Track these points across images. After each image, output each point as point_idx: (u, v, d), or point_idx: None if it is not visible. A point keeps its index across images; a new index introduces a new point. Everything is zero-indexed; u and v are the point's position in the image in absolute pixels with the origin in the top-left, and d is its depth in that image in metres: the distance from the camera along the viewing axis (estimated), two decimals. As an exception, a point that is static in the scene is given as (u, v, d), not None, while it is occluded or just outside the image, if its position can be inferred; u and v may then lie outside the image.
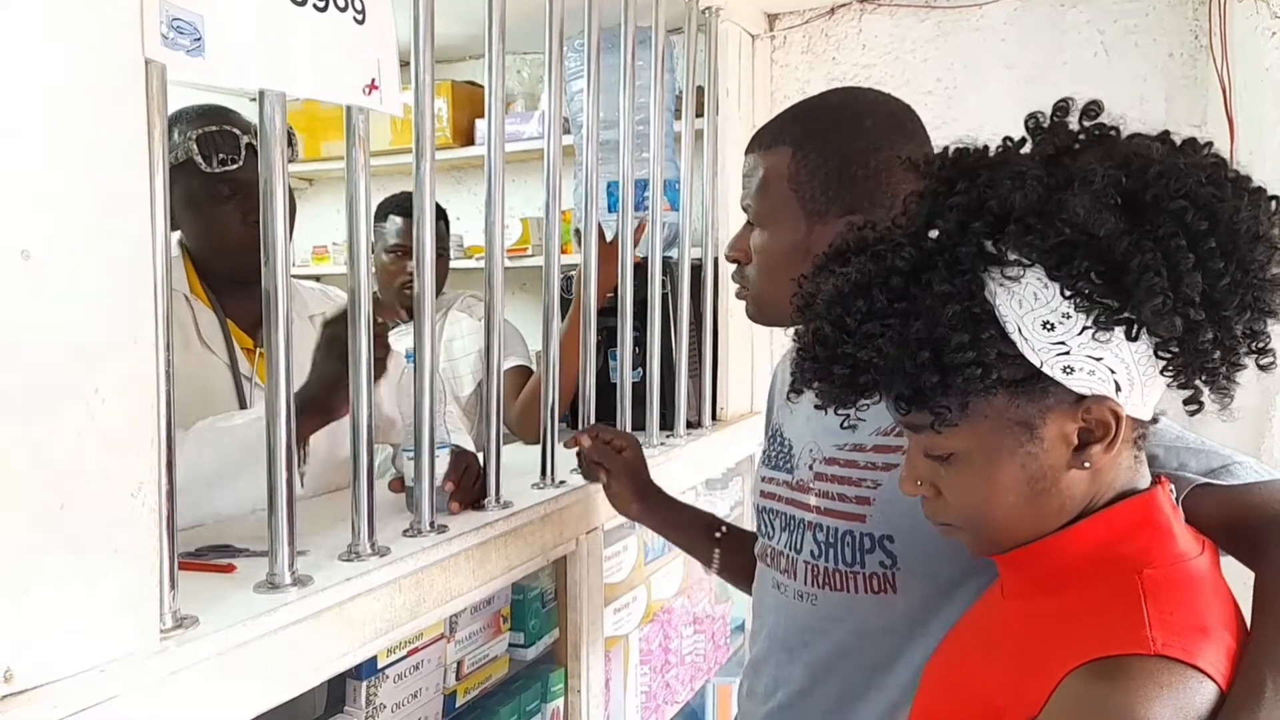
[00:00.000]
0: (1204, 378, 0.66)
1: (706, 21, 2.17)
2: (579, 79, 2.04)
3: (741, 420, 2.30)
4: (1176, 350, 0.65)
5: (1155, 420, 0.72)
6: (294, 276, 1.47)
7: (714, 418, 2.23)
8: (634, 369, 1.87)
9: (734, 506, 2.27)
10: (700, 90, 2.25)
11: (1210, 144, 0.67)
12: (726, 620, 2.25)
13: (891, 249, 0.68)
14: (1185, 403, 0.68)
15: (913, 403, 0.68)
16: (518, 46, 2.92)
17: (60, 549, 0.69)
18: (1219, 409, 0.68)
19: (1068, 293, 0.64)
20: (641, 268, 1.86)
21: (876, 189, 0.98)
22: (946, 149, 0.71)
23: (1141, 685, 0.61)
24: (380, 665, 1.06)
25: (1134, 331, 0.64)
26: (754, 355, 2.47)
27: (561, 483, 1.46)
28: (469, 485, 1.26)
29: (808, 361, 0.72)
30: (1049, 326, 0.65)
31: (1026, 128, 0.69)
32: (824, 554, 1.00)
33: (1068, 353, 0.65)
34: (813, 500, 1.03)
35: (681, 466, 1.84)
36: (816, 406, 0.74)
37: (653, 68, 1.86)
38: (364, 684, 1.05)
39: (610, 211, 2.11)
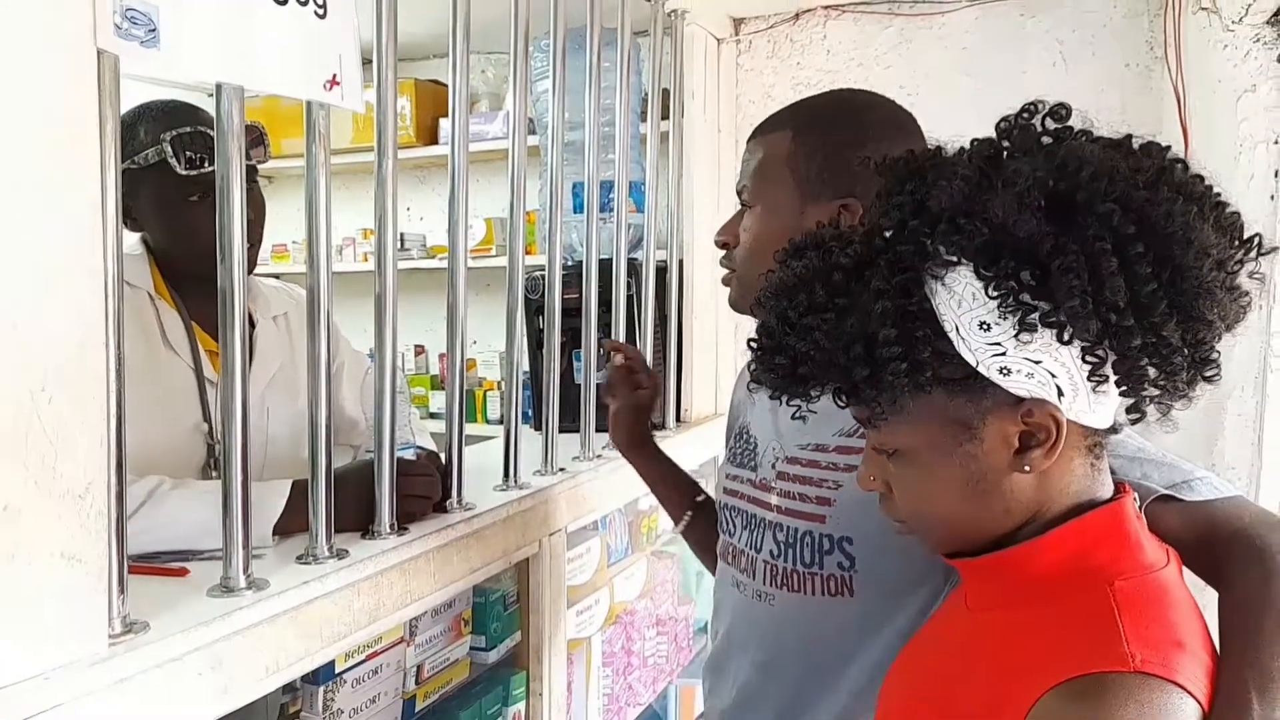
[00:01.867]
0: (1141, 386, 0.65)
1: (672, 24, 2.18)
2: (544, 79, 2.03)
3: (706, 422, 2.30)
4: (1102, 355, 0.64)
5: (1114, 430, 0.71)
6: (259, 275, 1.47)
7: (678, 419, 2.23)
8: (598, 370, 1.87)
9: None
10: (666, 93, 2.26)
11: (1168, 148, 0.67)
12: (690, 621, 2.25)
13: (840, 246, 0.69)
14: (1128, 410, 0.67)
15: (848, 396, 0.69)
16: (482, 46, 2.90)
17: (2, 552, 0.66)
18: (1158, 418, 0.67)
19: (992, 292, 0.63)
20: (607, 269, 1.85)
21: (870, 177, 0.98)
22: (903, 155, 0.71)
23: (1123, 704, 0.60)
24: (338, 670, 1.04)
25: (1065, 335, 0.63)
26: (718, 357, 2.48)
27: (524, 485, 1.45)
28: (433, 489, 1.25)
29: (756, 352, 0.73)
30: (985, 327, 0.64)
31: (997, 129, 0.68)
32: (783, 554, 1.00)
33: (1004, 354, 0.64)
34: (774, 499, 1.03)
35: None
36: (772, 397, 0.74)
37: (619, 70, 1.86)
38: (321, 689, 1.03)
39: (576, 213, 2.11)
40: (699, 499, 1.30)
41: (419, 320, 3.01)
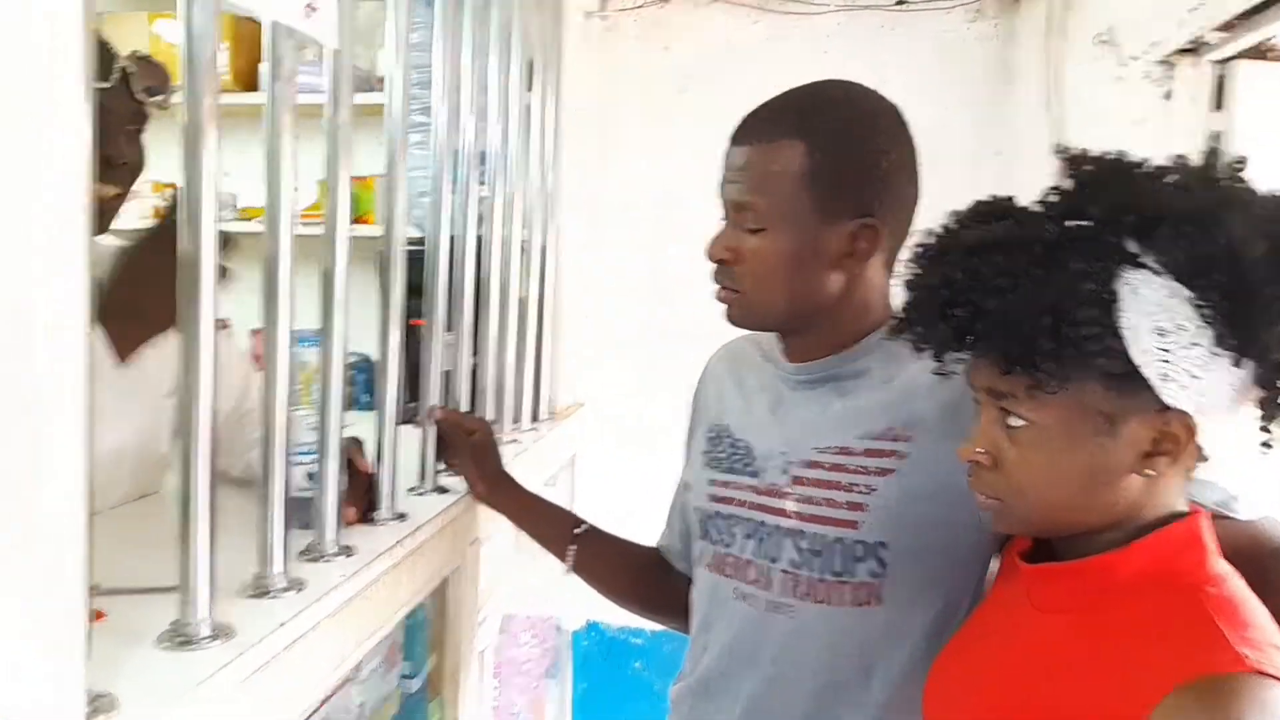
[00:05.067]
0: None
1: (557, -9, 2.04)
2: (414, 32, 1.82)
3: (572, 414, 2.20)
4: (1278, 382, 0.67)
5: (1206, 458, 0.75)
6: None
7: (538, 415, 2.10)
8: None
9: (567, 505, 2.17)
10: (530, 64, 2.12)
11: None
12: (552, 623, 2.16)
13: (1037, 220, 0.70)
14: (1262, 444, 0.70)
15: (1019, 362, 0.69)
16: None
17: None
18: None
19: (1200, 304, 0.65)
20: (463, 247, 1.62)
21: (887, 190, 0.94)
22: (1085, 152, 0.72)
23: (1247, 702, 0.63)
24: (289, 723, 0.86)
25: (1239, 359, 0.66)
26: (581, 345, 2.39)
27: (443, 489, 1.29)
28: (362, 494, 1.08)
29: (929, 303, 0.74)
30: (1161, 332, 0.66)
31: (1170, 162, 0.71)
32: (807, 562, 0.95)
33: (1169, 361, 0.67)
34: (790, 505, 0.97)
35: (522, 467, 1.70)
36: (934, 355, 0.74)
37: (491, 33, 1.67)
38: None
39: (452, 184, 1.92)
40: (578, 530, 1.23)
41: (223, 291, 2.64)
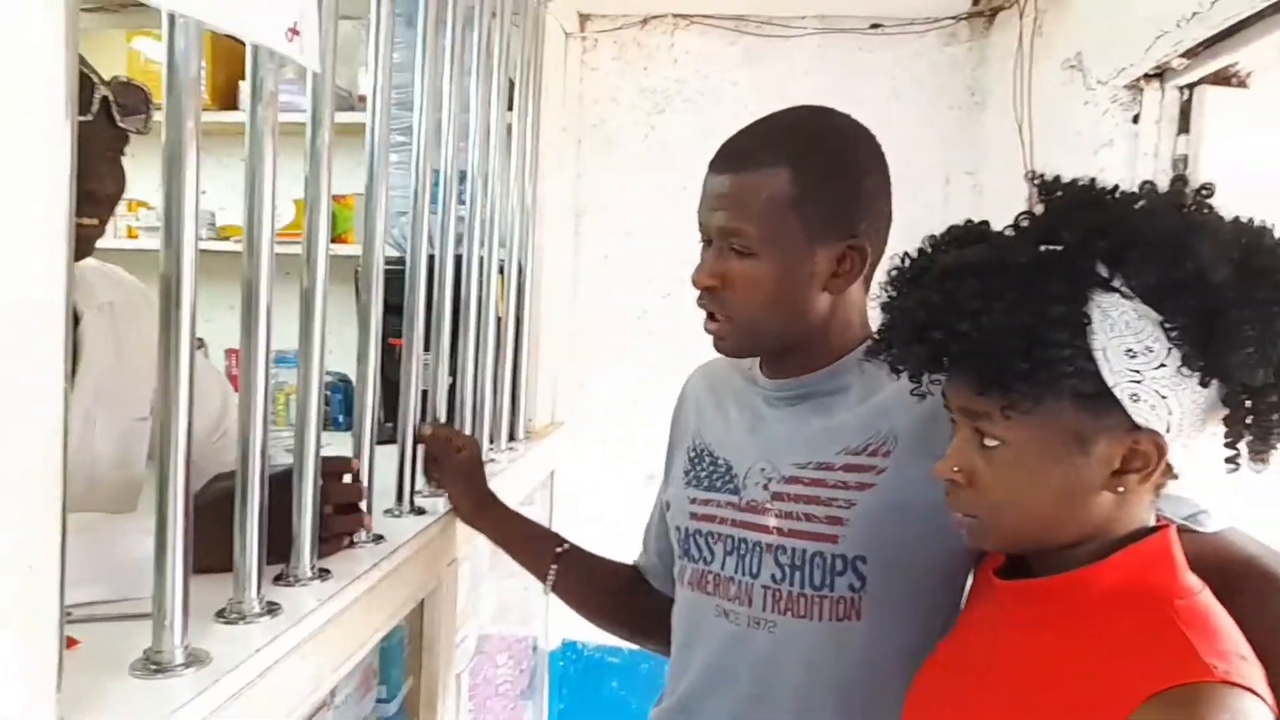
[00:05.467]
0: (1254, 437, 0.71)
1: (538, 10, 2.05)
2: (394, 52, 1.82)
3: (549, 434, 2.20)
4: (1244, 402, 0.69)
5: (1176, 475, 0.76)
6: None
7: (516, 434, 2.08)
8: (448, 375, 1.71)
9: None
10: (511, 83, 2.13)
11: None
12: (529, 643, 2.15)
13: (1011, 245, 0.72)
14: (1226, 460, 0.72)
15: (993, 383, 0.71)
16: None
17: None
18: (1257, 469, 0.73)
19: (1169, 326, 0.67)
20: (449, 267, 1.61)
21: (869, 211, 0.96)
22: (1058, 178, 0.74)
23: (1217, 710, 0.64)
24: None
25: (1206, 379, 0.68)
26: (556, 366, 2.39)
27: (420, 510, 1.28)
28: (354, 518, 1.07)
29: (906, 325, 0.75)
30: (1130, 354, 0.68)
31: (1139, 188, 0.73)
32: (788, 577, 0.96)
33: (1139, 382, 0.69)
34: (771, 521, 0.98)
35: (499, 486, 1.69)
36: (912, 378, 0.76)
37: (475, 53, 1.68)
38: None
39: (432, 203, 1.92)
40: (560, 549, 1.23)
41: (199, 311, 2.62)
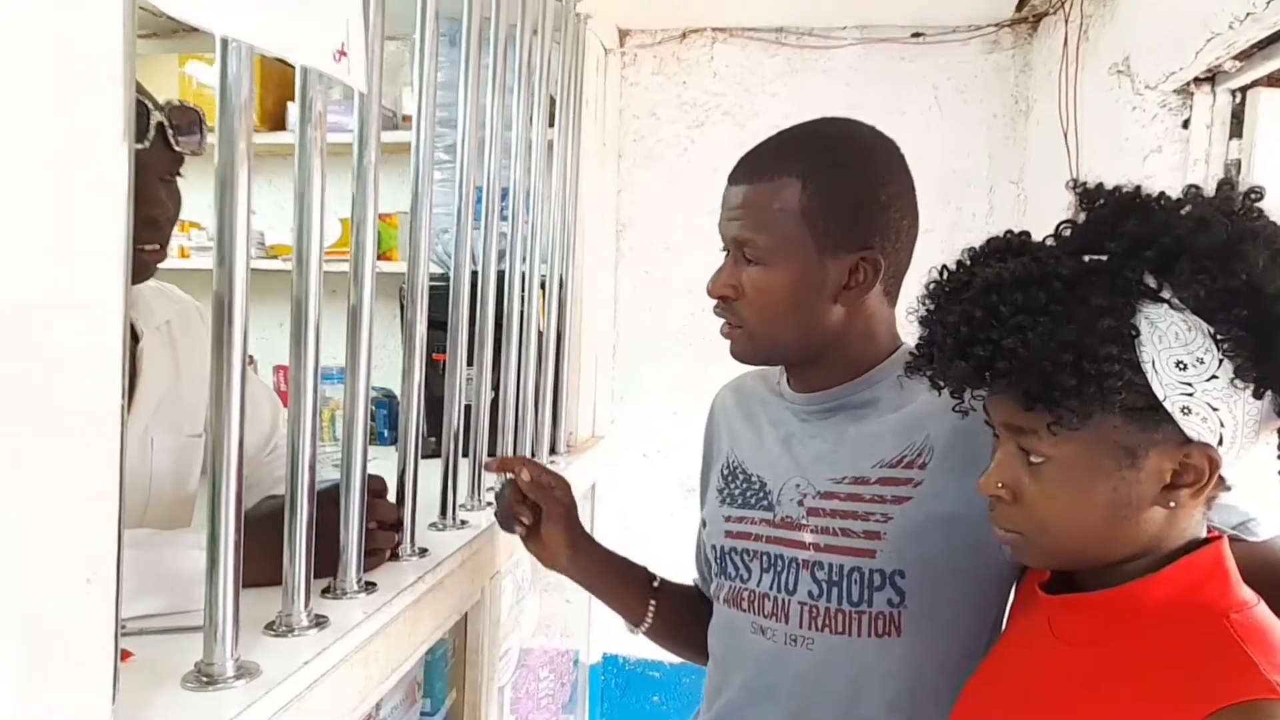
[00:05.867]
0: None
1: (577, 28, 2.07)
2: (438, 72, 1.84)
3: (590, 448, 2.20)
4: None
5: (1229, 487, 0.74)
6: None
7: (556, 448, 2.09)
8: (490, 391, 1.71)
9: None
10: (552, 100, 2.14)
11: None
12: (570, 656, 2.15)
13: (1054, 256, 0.70)
14: None
15: (1040, 399, 0.69)
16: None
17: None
18: None
19: (1221, 338, 0.65)
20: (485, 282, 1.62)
21: (886, 223, 0.95)
22: (1100, 185, 0.72)
23: None
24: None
25: (1260, 390, 0.66)
26: (597, 379, 2.40)
27: (463, 523, 1.29)
28: (391, 537, 1.08)
29: (947, 340, 0.73)
30: (1181, 366, 0.66)
31: (1184, 193, 0.71)
32: (825, 593, 0.95)
33: (1190, 395, 0.67)
34: (808, 537, 0.97)
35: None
36: (953, 393, 0.74)
37: (516, 71, 1.70)
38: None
39: (475, 220, 1.94)
40: (655, 584, 1.18)
41: (249, 329, 2.67)
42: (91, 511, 0.53)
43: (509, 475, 1.12)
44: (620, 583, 1.18)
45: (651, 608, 1.16)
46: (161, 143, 0.98)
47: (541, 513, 1.11)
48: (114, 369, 0.54)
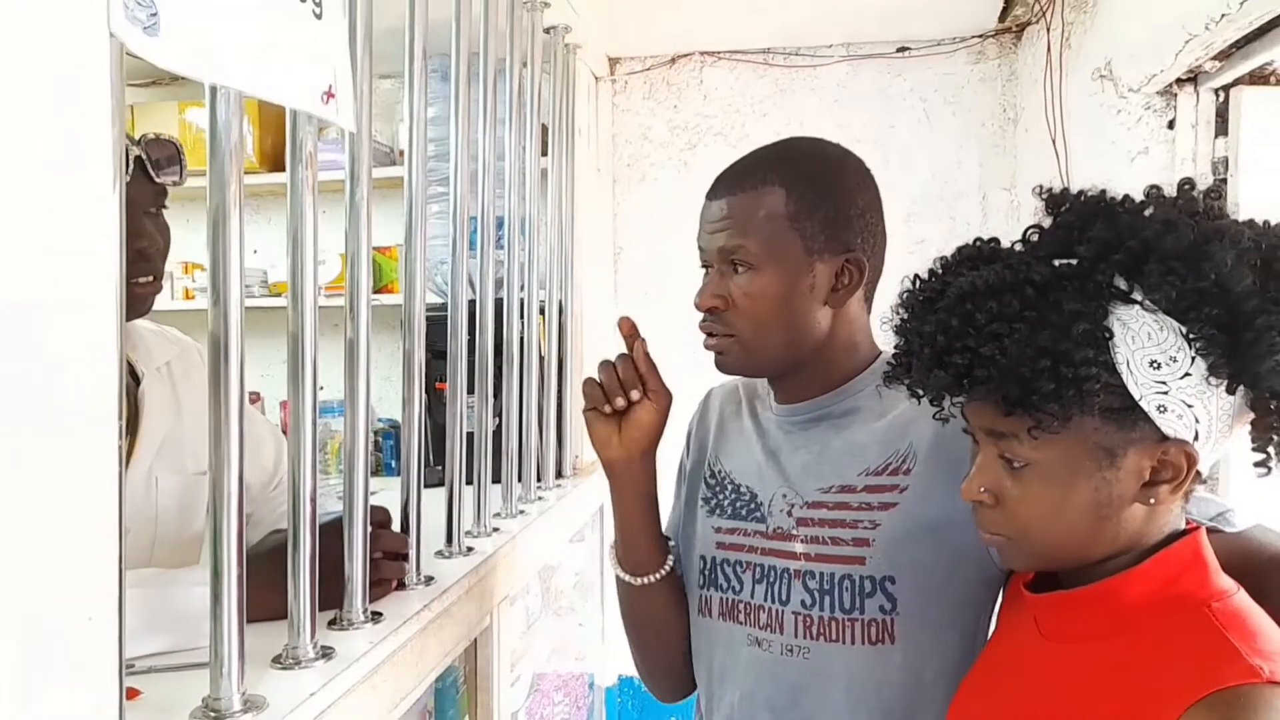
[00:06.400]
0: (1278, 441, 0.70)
1: (565, 58, 2.10)
2: (430, 107, 1.87)
3: (595, 471, 2.21)
4: (1272, 406, 0.68)
5: (1205, 480, 0.75)
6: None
7: (561, 472, 2.08)
8: (493, 417, 1.73)
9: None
10: (544, 129, 2.17)
11: None
12: (585, 680, 2.14)
13: (1025, 263, 0.71)
14: (1256, 464, 0.71)
15: (1019, 405, 0.69)
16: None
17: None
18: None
19: (1193, 337, 0.66)
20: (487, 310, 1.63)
21: (865, 227, 0.98)
22: (1065, 190, 0.74)
23: (1272, 712, 0.63)
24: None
25: (1233, 386, 0.68)
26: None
27: (469, 550, 1.30)
28: (397, 568, 1.09)
29: (924, 350, 0.74)
30: (1155, 365, 0.68)
31: (1146, 195, 0.72)
32: (818, 602, 0.96)
33: (1165, 393, 0.68)
34: (799, 548, 0.98)
35: (548, 525, 1.70)
36: (932, 402, 0.74)
37: (508, 101, 1.72)
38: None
39: (469, 248, 1.96)
40: (670, 555, 1.10)
41: (253, 365, 2.70)
42: (90, 551, 0.55)
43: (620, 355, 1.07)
44: (653, 519, 1.09)
45: (666, 567, 1.08)
46: (142, 176, 1.00)
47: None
48: (110, 407, 0.56)
